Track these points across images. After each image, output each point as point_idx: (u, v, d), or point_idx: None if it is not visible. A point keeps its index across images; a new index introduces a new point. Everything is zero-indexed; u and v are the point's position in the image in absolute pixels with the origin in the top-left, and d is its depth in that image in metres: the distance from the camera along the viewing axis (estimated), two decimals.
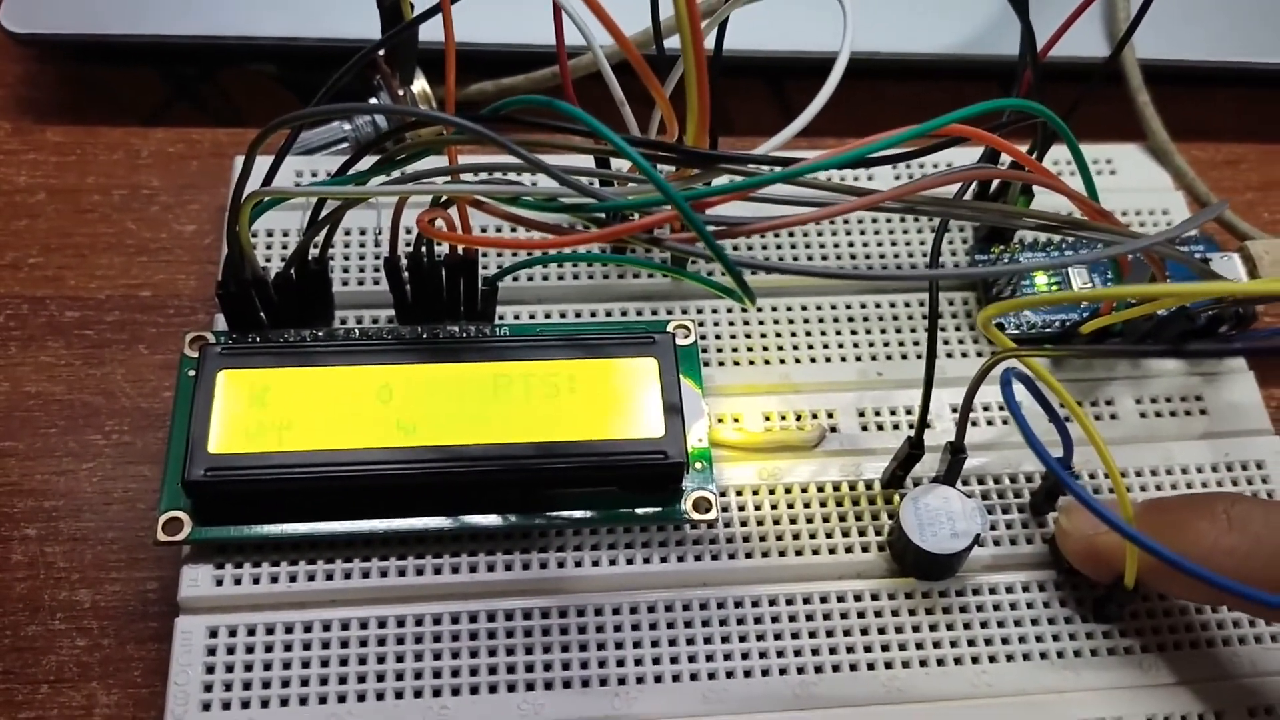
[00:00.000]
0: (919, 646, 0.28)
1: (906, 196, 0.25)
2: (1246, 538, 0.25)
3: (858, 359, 0.33)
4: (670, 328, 0.30)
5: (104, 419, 0.32)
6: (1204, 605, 0.29)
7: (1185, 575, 0.22)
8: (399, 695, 0.27)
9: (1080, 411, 0.26)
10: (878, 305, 0.33)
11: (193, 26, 0.37)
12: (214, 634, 0.27)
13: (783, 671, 0.28)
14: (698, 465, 0.29)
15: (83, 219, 0.36)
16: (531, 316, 0.33)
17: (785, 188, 0.25)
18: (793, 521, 0.30)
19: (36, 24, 0.37)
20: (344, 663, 0.27)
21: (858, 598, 0.29)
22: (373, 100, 0.36)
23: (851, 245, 0.35)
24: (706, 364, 0.32)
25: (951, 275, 0.34)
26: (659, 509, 0.29)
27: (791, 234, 0.35)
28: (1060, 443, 0.27)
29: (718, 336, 0.33)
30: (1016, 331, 0.33)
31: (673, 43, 0.30)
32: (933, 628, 0.28)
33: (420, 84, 0.36)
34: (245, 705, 0.26)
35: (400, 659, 0.27)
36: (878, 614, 0.29)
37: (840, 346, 0.33)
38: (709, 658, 0.28)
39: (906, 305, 0.34)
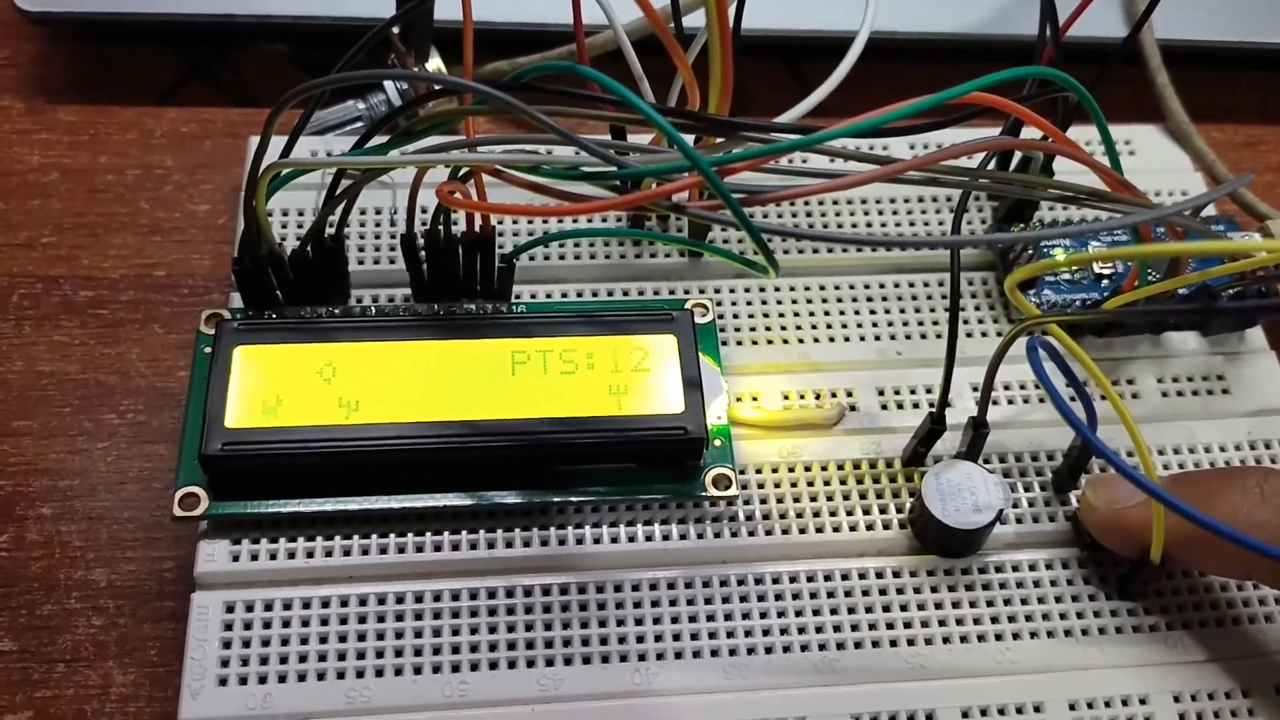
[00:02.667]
0: (941, 623, 0.28)
1: (929, 166, 0.24)
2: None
3: (877, 338, 0.32)
4: (688, 305, 0.30)
5: (119, 398, 0.32)
6: (1231, 580, 0.29)
7: (1218, 542, 0.22)
8: (417, 671, 0.26)
9: (1105, 380, 0.26)
10: (896, 285, 0.33)
11: (205, 5, 0.37)
12: (230, 609, 0.27)
13: (804, 648, 0.27)
14: (717, 442, 0.29)
15: (96, 199, 0.35)
16: (548, 296, 0.32)
17: (805, 162, 0.24)
18: (813, 499, 0.29)
19: (49, 2, 0.37)
20: (362, 638, 0.27)
21: (879, 575, 0.28)
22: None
23: (870, 225, 0.34)
24: (724, 343, 0.32)
25: (974, 241, 0.34)
26: (678, 485, 0.28)
27: (809, 213, 0.34)
28: (1085, 415, 0.27)
29: (735, 315, 0.32)
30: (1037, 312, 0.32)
31: (689, 21, 0.30)
32: (955, 604, 0.28)
33: (435, 62, 0.36)
34: (262, 680, 0.26)
35: (419, 635, 0.27)
36: (899, 591, 0.28)
37: (859, 325, 0.33)
38: (730, 634, 0.27)
39: (925, 285, 0.33)
